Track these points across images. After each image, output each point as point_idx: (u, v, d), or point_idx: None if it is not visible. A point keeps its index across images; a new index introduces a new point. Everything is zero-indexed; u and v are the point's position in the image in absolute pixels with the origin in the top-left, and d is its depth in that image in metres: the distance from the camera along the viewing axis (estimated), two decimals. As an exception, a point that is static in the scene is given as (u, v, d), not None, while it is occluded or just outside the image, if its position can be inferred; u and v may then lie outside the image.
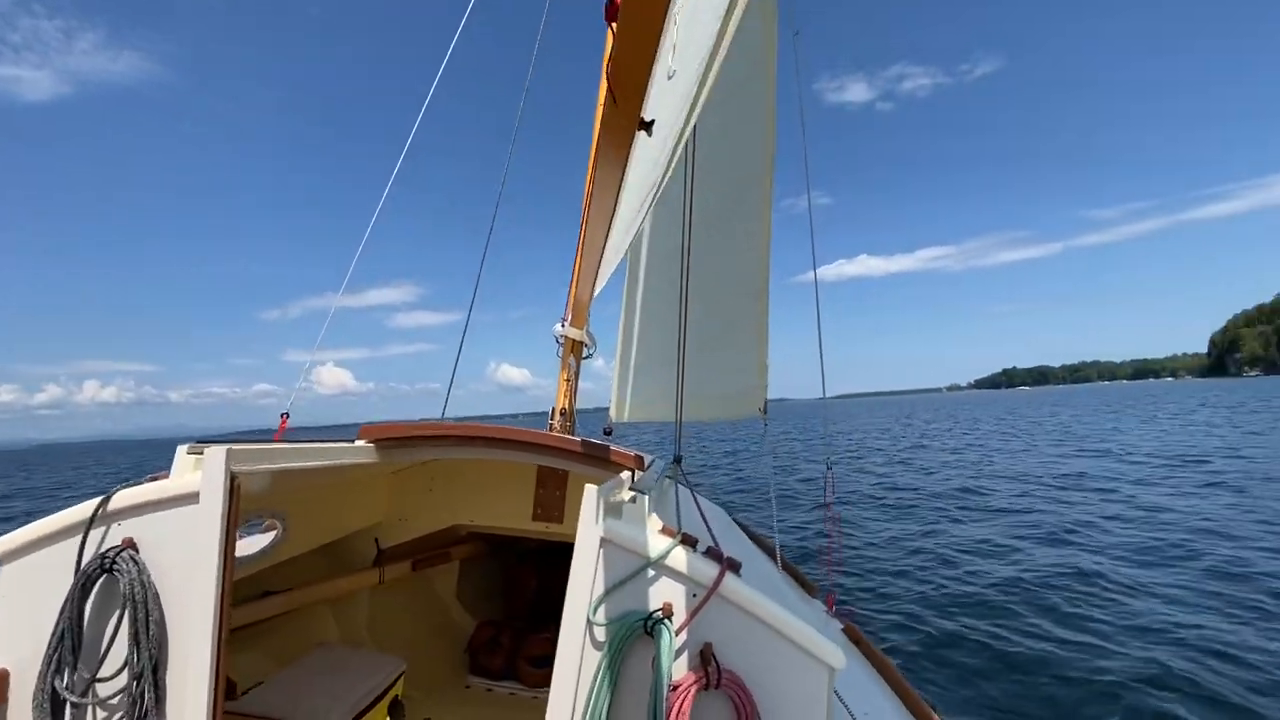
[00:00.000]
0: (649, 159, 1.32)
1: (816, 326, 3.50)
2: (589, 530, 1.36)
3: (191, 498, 1.33)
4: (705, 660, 1.28)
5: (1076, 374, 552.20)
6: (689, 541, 1.40)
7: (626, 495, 1.48)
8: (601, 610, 1.33)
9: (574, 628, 1.33)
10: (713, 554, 1.40)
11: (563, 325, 2.94)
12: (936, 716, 2.01)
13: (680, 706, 1.22)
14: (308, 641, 2.48)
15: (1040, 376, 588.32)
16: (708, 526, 1.60)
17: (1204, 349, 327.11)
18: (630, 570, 1.34)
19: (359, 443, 2.06)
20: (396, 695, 2.15)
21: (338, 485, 2.56)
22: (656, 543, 1.36)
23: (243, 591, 2.20)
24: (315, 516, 2.41)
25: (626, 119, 0.97)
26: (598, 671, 1.29)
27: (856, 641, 2.46)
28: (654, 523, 1.42)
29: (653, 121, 1.02)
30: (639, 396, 4.11)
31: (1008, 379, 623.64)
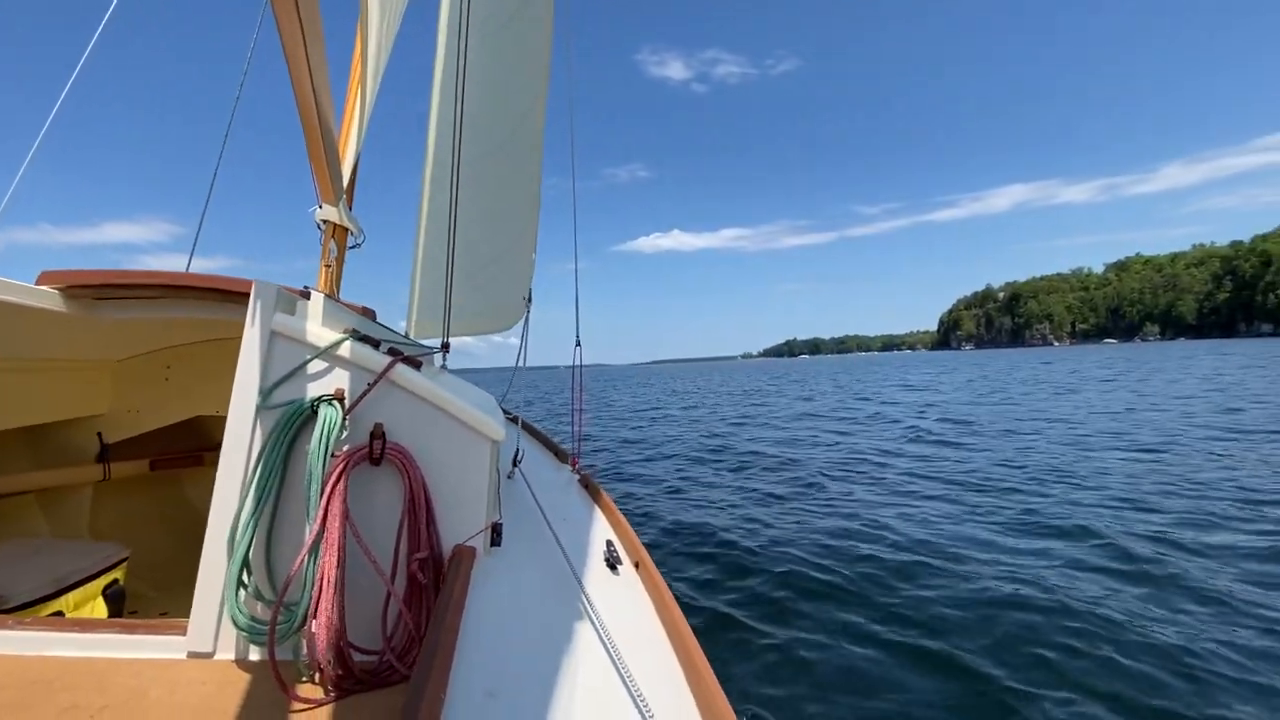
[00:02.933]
0: None
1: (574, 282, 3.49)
2: (257, 324, 1.41)
3: None
4: (374, 438, 1.37)
5: (841, 346, 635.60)
6: (370, 341, 1.49)
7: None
8: (272, 397, 1.39)
9: (242, 414, 1.39)
10: (392, 352, 1.50)
11: (319, 206, 2.63)
12: (624, 521, 2.08)
13: (338, 473, 1.27)
14: (4, 536, 2.31)
15: (814, 347, 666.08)
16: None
17: (934, 327, 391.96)
18: (300, 360, 1.42)
19: (43, 288, 1.90)
20: (116, 580, 1.99)
21: (34, 367, 2.36)
22: (327, 335, 1.44)
23: None
24: (3, 393, 2.27)
25: None
26: (265, 452, 1.33)
27: (587, 485, 2.59)
28: (331, 320, 1.49)
29: None
30: (428, 311, 3.64)
31: (789, 349, 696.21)
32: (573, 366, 3.29)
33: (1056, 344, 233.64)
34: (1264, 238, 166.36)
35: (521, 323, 3.76)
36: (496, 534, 1.57)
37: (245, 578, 1.31)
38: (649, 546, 4.20)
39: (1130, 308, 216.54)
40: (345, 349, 1.43)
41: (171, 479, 3.07)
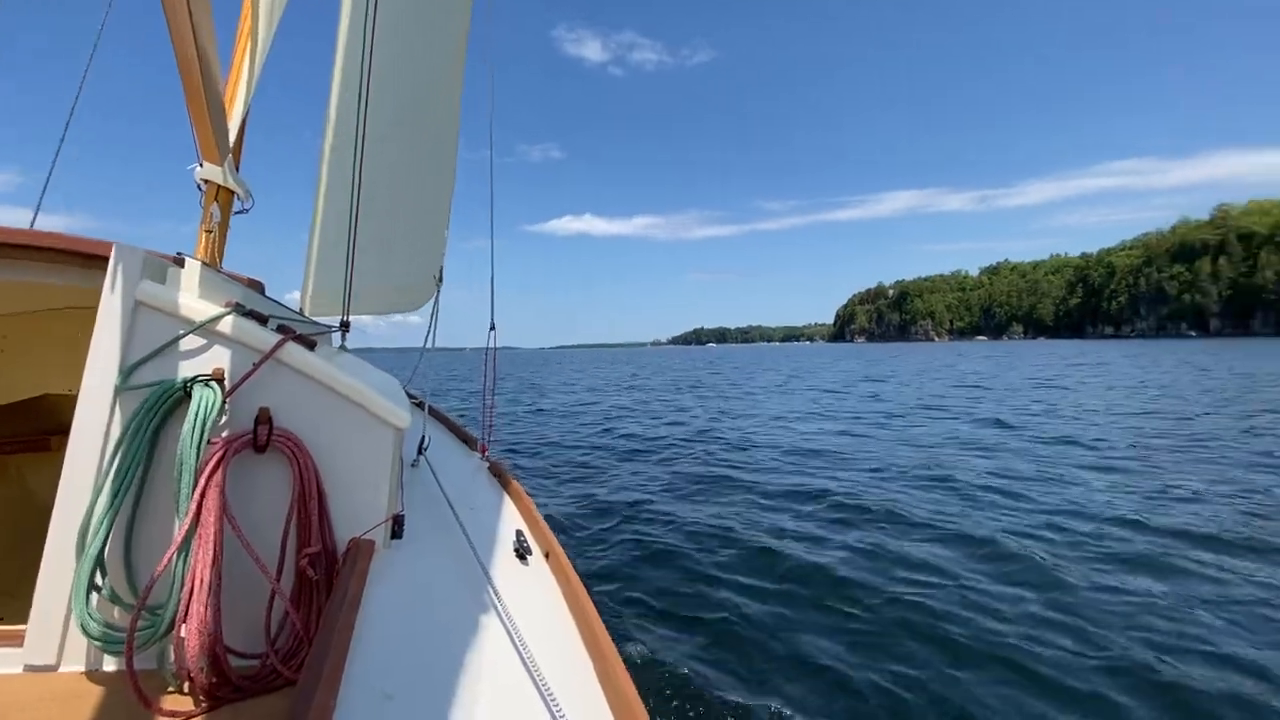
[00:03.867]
0: None
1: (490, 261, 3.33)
2: (118, 292, 1.28)
3: None
4: (260, 423, 1.27)
5: (746, 336, 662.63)
6: (257, 317, 1.37)
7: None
8: (136, 375, 1.27)
9: (97, 395, 1.26)
10: (282, 329, 1.39)
11: (200, 165, 2.47)
12: (534, 510, 2.00)
13: (215, 461, 1.17)
14: None
15: (721, 336, 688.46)
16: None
17: (831, 320, 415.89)
18: (170, 335, 1.29)
19: None
20: None
21: None
22: (204, 308, 1.31)
23: None
24: None
25: None
26: (126, 437, 1.21)
27: (497, 473, 2.53)
28: (210, 291, 1.37)
29: None
30: (326, 286, 3.40)
31: (697, 337, 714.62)
32: (486, 349, 3.16)
33: (937, 339, 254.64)
34: (1109, 251, 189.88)
35: (430, 303, 3.41)
36: (398, 526, 1.50)
37: (99, 579, 1.18)
38: (562, 535, 4.14)
39: (1000, 309, 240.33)
40: (226, 324, 1.31)
41: (11, 466, 2.71)
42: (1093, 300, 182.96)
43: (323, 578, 1.26)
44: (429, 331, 3.10)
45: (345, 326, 1.94)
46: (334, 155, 2.88)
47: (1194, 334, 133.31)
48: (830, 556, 4.30)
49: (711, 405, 16.12)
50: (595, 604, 1.32)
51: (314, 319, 2.34)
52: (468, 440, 3.18)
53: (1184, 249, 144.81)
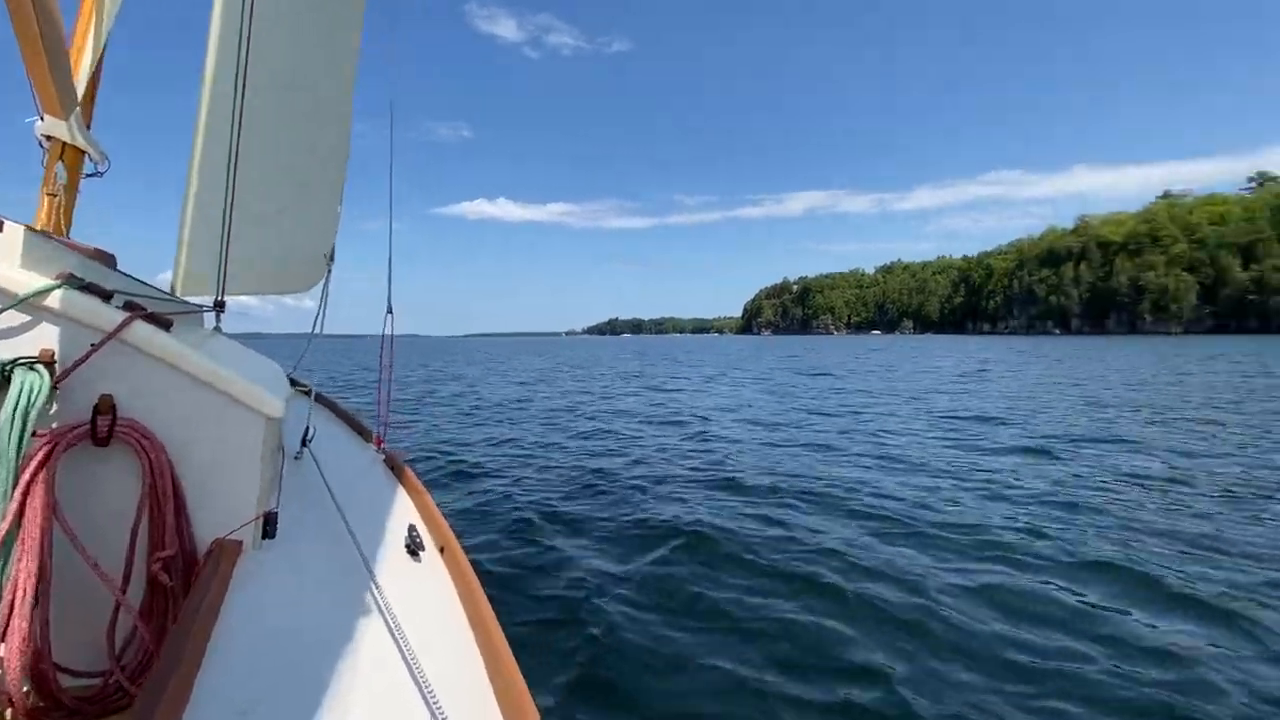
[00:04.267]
0: None
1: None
2: None
3: None
4: (100, 413, 1.15)
5: (660, 327, 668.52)
6: (97, 291, 1.23)
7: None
8: None
9: None
10: (129, 306, 1.26)
11: (40, 118, 2.18)
12: (431, 504, 1.91)
13: (42, 455, 1.05)
14: None
15: (636, 327, 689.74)
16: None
17: (739, 313, 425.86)
18: None
19: None
20: None
21: None
22: (29, 279, 1.16)
23: None
24: None
25: None
26: None
27: (393, 467, 2.42)
28: (39, 262, 1.22)
29: None
30: (201, 262, 3.14)
31: (612, 328, 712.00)
32: (382, 336, 2.97)
33: (835, 333, 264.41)
34: (988, 254, 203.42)
35: (322, 284, 3.23)
36: (270, 524, 1.40)
37: None
38: (465, 530, 4.40)
39: (892, 305, 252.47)
40: (56, 299, 1.16)
41: None
42: (973, 299, 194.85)
43: (180, 584, 1.16)
44: (319, 315, 2.89)
45: (220, 307, 1.80)
46: (210, 117, 2.53)
47: (1058, 332, 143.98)
48: (751, 554, 4.21)
49: (653, 398, 15.68)
50: (492, 600, 1.25)
51: (185, 299, 2.14)
52: (362, 431, 2.98)
53: (1051, 254, 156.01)
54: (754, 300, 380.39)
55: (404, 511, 1.88)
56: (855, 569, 3.93)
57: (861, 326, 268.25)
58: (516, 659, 1.03)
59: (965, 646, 3.06)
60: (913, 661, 2.93)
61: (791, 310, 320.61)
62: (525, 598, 3.55)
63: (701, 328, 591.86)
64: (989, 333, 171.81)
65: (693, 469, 6.95)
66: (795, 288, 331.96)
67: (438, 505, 1.88)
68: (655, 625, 3.25)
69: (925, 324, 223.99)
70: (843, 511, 5.24)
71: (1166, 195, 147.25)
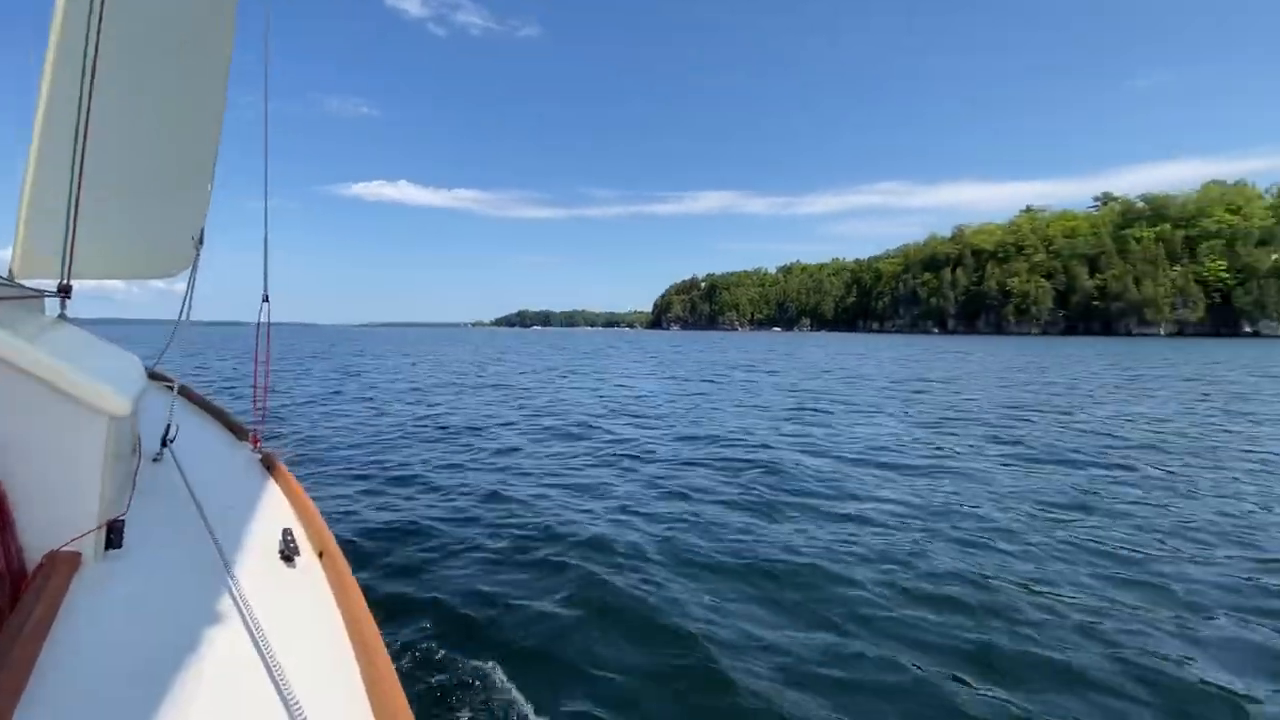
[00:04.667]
0: None
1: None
2: None
3: None
4: None
5: (570, 320, 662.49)
6: None
7: None
8: None
9: None
10: None
11: None
12: (310, 506, 1.81)
13: None
14: None
15: (545, 319, 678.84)
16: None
17: (649, 308, 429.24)
18: None
19: None
20: None
21: None
22: None
23: None
24: None
25: None
26: None
27: (270, 467, 2.32)
28: None
29: None
30: (46, 242, 2.76)
31: (521, 319, 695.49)
32: (258, 324, 2.80)
33: (740, 329, 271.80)
34: (877, 258, 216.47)
35: (190, 269, 2.99)
36: (115, 534, 1.30)
37: None
38: (350, 534, 4.28)
39: (792, 304, 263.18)
40: None
41: None
42: (865, 300, 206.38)
43: (5, 603, 1.04)
44: (185, 302, 2.69)
45: (65, 292, 1.68)
46: (58, 74, 2.20)
47: (936, 331, 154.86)
48: (648, 552, 4.32)
49: (574, 394, 15.80)
50: (375, 607, 1.20)
51: (22, 283, 2.00)
52: (235, 429, 2.82)
53: (932, 260, 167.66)
54: (664, 296, 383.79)
55: (278, 515, 1.76)
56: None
57: (764, 323, 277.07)
58: (398, 669, 0.98)
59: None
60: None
61: (700, 306, 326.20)
62: (414, 605, 3.43)
63: (612, 321, 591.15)
64: (878, 331, 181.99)
65: (605, 481, 6.75)
66: (703, 284, 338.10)
67: (321, 508, 1.74)
68: (556, 635, 3.19)
69: (822, 322, 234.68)
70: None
71: (1029, 210, 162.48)
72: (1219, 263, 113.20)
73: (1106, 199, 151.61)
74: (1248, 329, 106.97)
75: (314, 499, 1.86)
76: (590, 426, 10.14)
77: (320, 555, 1.45)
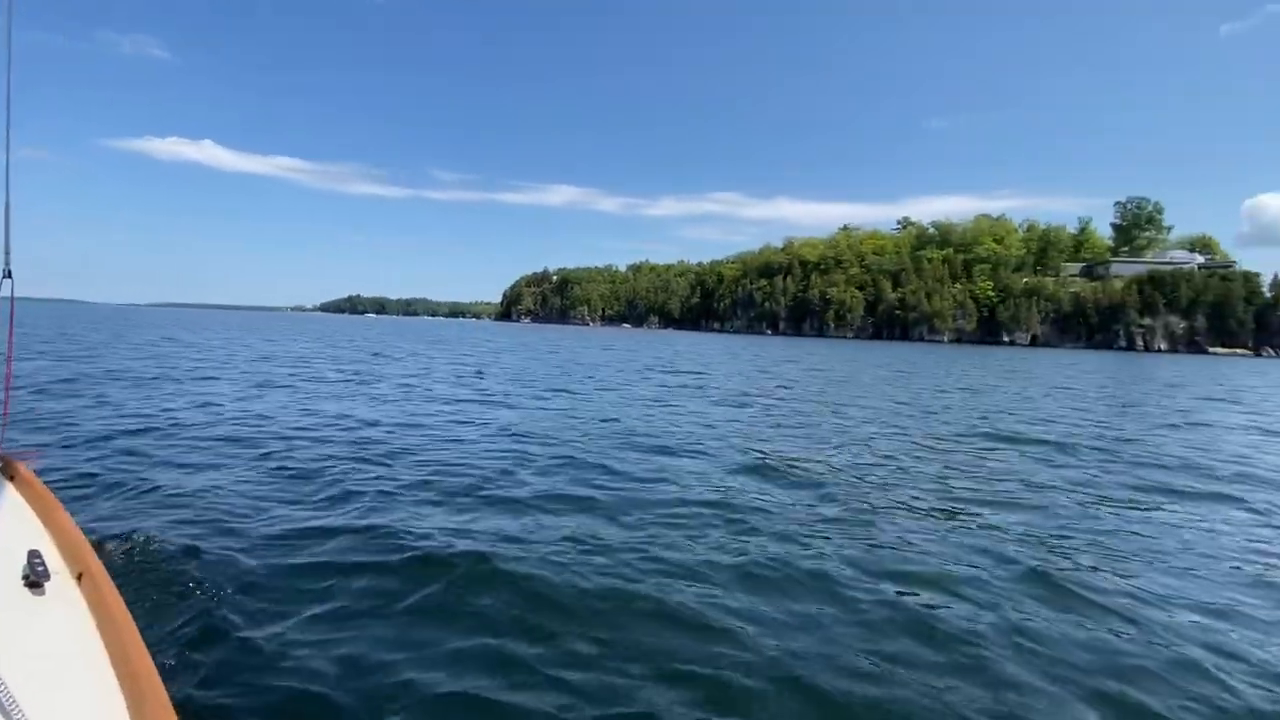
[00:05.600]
0: None
1: None
2: None
3: None
4: None
5: (409, 308, 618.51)
6: None
7: None
8: None
9: None
10: None
11: None
12: (67, 521, 1.67)
13: None
14: None
15: (381, 306, 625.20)
16: None
17: (497, 299, 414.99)
18: None
19: None
20: None
21: None
22: None
23: None
24: None
25: None
26: None
27: (12, 476, 2.10)
28: None
29: None
30: None
31: (353, 305, 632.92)
32: None
33: (592, 324, 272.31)
34: (719, 263, 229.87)
35: None
36: None
37: None
38: (120, 552, 3.76)
39: (641, 301, 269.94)
40: None
41: None
42: (708, 301, 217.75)
43: None
44: None
45: None
46: None
47: (769, 332, 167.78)
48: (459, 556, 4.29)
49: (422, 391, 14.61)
50: (146, 633, 1.10)
51: None
52: None
53: (767, 267, 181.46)
54: (514, 287, 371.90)
55: (23, 534, 1.57)
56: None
57: (614, 319, 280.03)
58: (173, 698, 0.89)
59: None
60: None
61: (551, 300, 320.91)
62: (205, 634, 3.10)
63: (457, 311, 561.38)
64: (719, 330, 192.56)
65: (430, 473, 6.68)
66: (555, 278, 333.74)
67: (81, 523, 1.57)
68: (368, 651, 3.04)
69: (669, 320, 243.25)
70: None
71: (846, 228, 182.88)
72: (987, 283, 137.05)
73: (906, 223, 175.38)
74: (1005, 338, 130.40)
75: (71, 513, 1.66)
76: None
77: (79, 579, 1.29)
